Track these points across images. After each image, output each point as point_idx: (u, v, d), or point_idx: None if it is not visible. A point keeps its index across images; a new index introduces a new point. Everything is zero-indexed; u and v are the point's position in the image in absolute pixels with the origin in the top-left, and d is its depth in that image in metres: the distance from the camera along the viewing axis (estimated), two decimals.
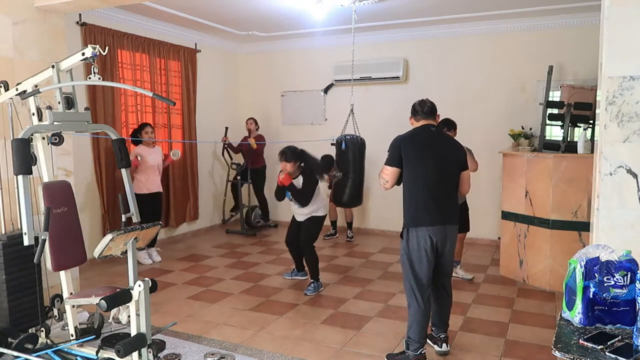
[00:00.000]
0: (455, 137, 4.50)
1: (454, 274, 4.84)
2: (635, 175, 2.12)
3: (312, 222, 4.74)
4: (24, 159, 2.78)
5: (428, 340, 3.51)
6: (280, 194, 4.69)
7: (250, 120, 7.24)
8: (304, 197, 4.55)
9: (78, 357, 3.10)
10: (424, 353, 3.23)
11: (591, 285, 1.81)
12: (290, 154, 4.56)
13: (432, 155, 3.16)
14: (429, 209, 3.12)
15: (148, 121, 6.24)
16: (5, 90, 3.24)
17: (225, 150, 7.34)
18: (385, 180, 3.22)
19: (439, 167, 3.15)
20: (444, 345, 3.46)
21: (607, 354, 1.60)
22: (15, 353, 3.03)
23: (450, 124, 4.69)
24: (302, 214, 4.74)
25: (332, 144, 6.15)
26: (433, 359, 3.41)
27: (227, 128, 7.22)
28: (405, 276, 3.25)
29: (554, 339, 1.75)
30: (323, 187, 4.93)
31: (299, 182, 4.61)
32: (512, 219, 5.08)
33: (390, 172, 3.19)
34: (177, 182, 6.74)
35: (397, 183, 3.26)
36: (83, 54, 2.92)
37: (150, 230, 2.94)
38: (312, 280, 4.77)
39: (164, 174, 6.42)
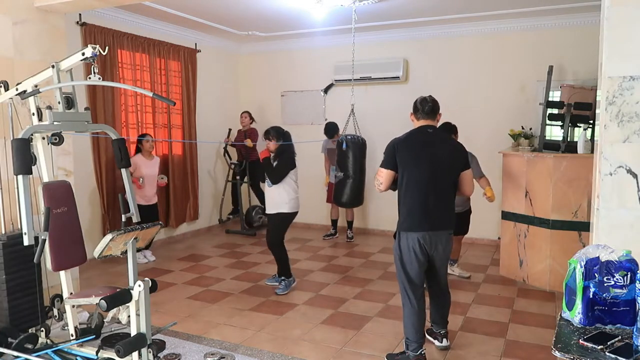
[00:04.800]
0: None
1: (450, 272, 4.87)
2: (635, 175, 2.12)
3: (277, 218, 4.67)
4: (24, 159, 2.78)
5: (428, 336, 3.54)
6: (263, 172, 4.75)
7: (245, 114, 7.26)
8: (275, 173, 4.56)
9: (78, 357, 3.10)
10: (424, 353, 3.23)
11: (591, 285, 1.81)
12: (274, 132, 4.64)
13: (427, 158, 3.11)
14: (418, 214, 3.10)
15: (148, 121, 6.26)
16: (5, 90, 3.24)
17: (226, 151, 7.35)
18: (379, 182, 3.21)
19: (433, 170, 3.10)
20: (444, 340, 3.49)
21: (607, 354, 1.60)
22: (15, 353, 3.03)
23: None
24: (271, 202, 4.65)
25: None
26: (434, 354, 3.43)
27: (230, 130, 7.23)
28: (398, 277, 3.28)
29: (554, 339, 1.74)
30: (301, 185, 4.83)
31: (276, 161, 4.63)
32: (512, 219, 5.08)
33: (385, 174, 3.18)
34: (177, 182, 6.74)
35: (393, 188, 3.24)
36: (83, 54, 2.92)
37: (150, 230, 2.94)
38: (282, 278, 4.73)
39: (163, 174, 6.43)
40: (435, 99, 3.25)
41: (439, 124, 3.35)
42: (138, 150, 5.65)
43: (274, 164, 4.60)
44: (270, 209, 4.69)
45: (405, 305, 3.23)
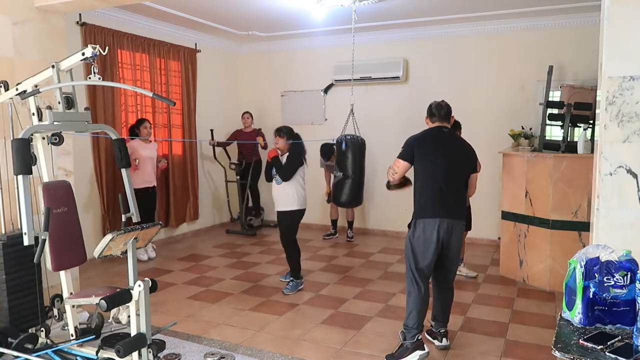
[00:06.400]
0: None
1: (457, 272, 4.89)
2: (635, 175, 2.12)
3: (287, 216, 4.72)
4: (24, 159, 2.78)
5: (428, 337, 3.56)
6: (269, 171, 4.78)
7: (247, 115, 7.24)
8: (285, 170, 4.61)
9: (78, 357, 3.10)
10: (421, 338, 3.29)
11: (591, 285, 1.81)
12: (285, 130, 4.71)
13: (443, 154, 3.31)
14: (437, 202, 3.27)
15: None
16: (5, 90, 3.24)
17: (215, 152, 7.31)
18: (394, 172, 3.39)
19: (449, 165, 3.30)
20: (444, 339, 3.52)
21: (607, 354, 1.60)
22: (15, 353, 3.03)
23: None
24: (279, 199, 4.70)
25: (332, 144, 6.17)
26: (434, 354, 3.43)
27: (212, 130, 7.17)
28: (407, 265, 3.35)
29: (554, 339, 1.74)
30: (308, 183, 4.90)
31: (284, 159, 4.68)
32: (512, 219, 5.08)
33: (401, 165, 3.37)
34: (177, 182, 6.74)
35: (403, 181, 3.44)
36: (83, 54, 2.92)
37: (150, 230, 2.94)
38: (291, 279, 4.77)
39: (162, 174, 6.42)
40: (448, 104, 3.48)
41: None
42: (134, 135, 5.61)
43: (284, 161, 4.64)
44: (279, 207, 4.75)
45: (412, 292, 3.31)
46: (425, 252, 3.26)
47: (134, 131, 5.62)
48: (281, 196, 4.70)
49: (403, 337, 3.32)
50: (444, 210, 3.25)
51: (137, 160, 5.45)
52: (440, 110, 3.43)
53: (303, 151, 4.79)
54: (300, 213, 4.77)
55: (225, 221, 7.79)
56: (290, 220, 4.76)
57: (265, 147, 7.02)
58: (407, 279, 3.37)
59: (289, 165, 4.63)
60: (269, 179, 4.82)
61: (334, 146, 6.05)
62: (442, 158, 3.30)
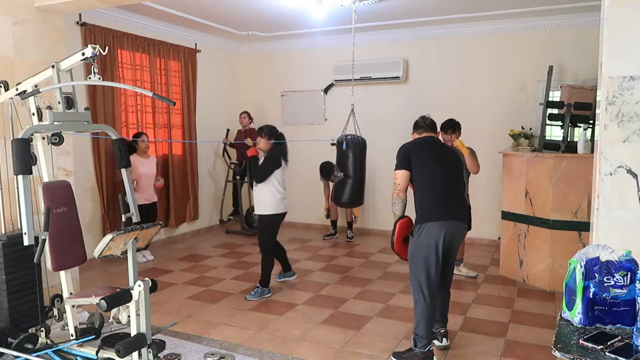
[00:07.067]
0: (459, 138, 4.77)
1: (457, 272, 4.91)
2: (635, 175, 2.12)
3: (263, 220, 4.60)
4: (24, 159, 2.79)
5: None
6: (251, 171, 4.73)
7: (244, 114, 7.23)
8: (259, 172, 4.49)
9: (78, 357, 3.10)
10: (432, 349, 3.27)
11: (591, 285, 1.81)
12: (267, 130, 4.56)
13: (437, 158, 3.33)
14: (438, 204, 3.25)
15: (148, 121, 6.26)
16: (5, 90, 3.24)
17: (225, 151, 7.36)
18: (397, 184, 3.31)
19: (445, 168, 3.31)
20: (444, 339, 3.52)
21: (607, 354, 1.60)
22: (15, 353, 3.03)
23: (455, 125, 4.76)
24: (257, 202, 4.58)
25: (332, 144, 6.17)
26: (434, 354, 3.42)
27: (228, 130, 7.23)
28: (413, 273, 3.27)
29: (554, 339, 1.74)
30: (289, 187, 4.81)
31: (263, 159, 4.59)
32: (512, 219, 5.08)
33: (401, 174, 3.31)
34: (177, 182, 6.74)
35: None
36: (83, 54, 2.92)
37: (150, 230, 2.94)
38: (257, 285, 4.64)
39: (162, 174, 6.42)
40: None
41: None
42: (133, 150, 5.58)
43: (260, 161, 4.53)
44: (257, 210, 4.63)
45: (419, 301, 3.25)
46: (431, 257, 3.19)
47: (133, 145, 5.59)
48: (258, 198, 4.56)
49: (414, 343, 3.27)
50: (446, 213, 3.23)
51: (135, 182, 5.47)
52: (426, 120, 3.51)
53: (284, 152, 4.60)
54: (277, 217, 4.57)
55: (225, 221, 7.78)
56: (266, 224, 4.58)
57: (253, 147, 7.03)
58: (412, 287, 3.29)
59: (263, 166, 4.47)
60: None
61: (334, 164, 6.03)
62: (439, 160, 3.32)
